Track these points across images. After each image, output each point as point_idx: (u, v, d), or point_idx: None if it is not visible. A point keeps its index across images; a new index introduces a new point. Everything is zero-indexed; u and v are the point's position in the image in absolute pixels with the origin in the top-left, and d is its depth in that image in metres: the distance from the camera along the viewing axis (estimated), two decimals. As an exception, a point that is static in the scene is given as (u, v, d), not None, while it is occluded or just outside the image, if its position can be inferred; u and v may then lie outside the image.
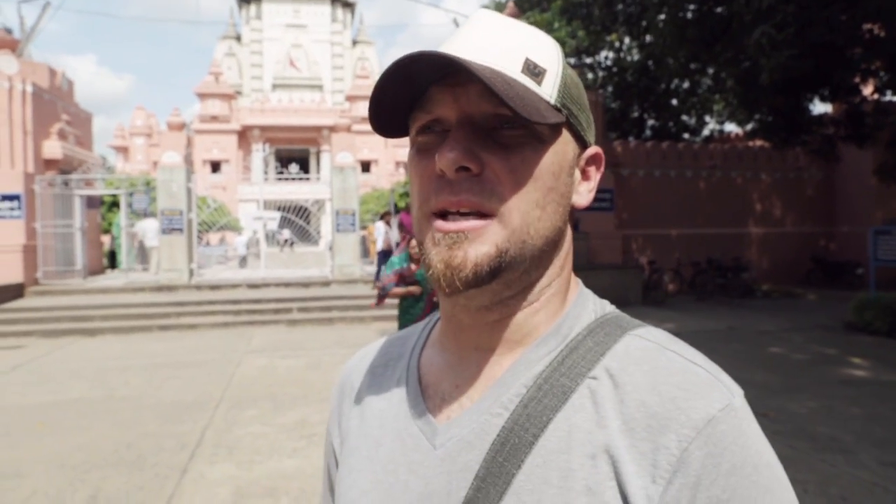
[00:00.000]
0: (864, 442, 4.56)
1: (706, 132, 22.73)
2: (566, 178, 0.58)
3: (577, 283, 0.63)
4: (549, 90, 0.55)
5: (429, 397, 0.61)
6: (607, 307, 0.62)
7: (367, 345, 0.76)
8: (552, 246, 0.58)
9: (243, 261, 18.86)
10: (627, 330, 0.57)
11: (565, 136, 0.57)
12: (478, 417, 0.56)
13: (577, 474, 0.50)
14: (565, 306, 0.60)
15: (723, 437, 0.48)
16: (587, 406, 0.52)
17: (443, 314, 0.63)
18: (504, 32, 0.56)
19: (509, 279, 0.56)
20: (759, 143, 16.19)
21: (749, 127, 14.96)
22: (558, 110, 0.56)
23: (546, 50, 0.57)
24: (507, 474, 0.52)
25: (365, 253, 19.30)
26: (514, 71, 0.54)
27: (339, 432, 0.71)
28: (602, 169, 0.62)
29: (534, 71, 0.55)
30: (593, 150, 0.62)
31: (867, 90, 11.21)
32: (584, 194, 0.61)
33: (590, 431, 0.51)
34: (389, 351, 0.71)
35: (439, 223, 0.54)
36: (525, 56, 0.55)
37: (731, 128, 22.17)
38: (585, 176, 0.61)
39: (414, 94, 0.56)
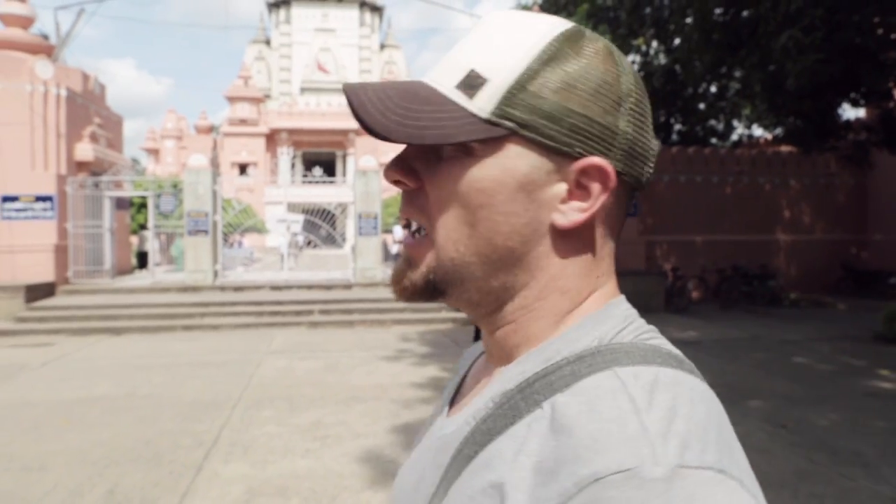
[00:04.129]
0: (888, 456, 4.45)
1: (735, 137, 22.37)
2: (516, 194, 0.51)
3: (598, 306, 0.55)
4: (482, 103, 0.50)
5: (457, 398, 0.65)
6: (627, 336, 0.52)
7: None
8: (509, 267, 0.54)
9: (283, 260, 19.30)
10: (615, 365, 0.47)
11: (515, 149, 0.51)
12: (462, 421, 0.56)
13: (476, 499, 0.47)
14: (559, 329, 0.55)
15: None
16: (520, 434, 0.48)
17: None
18: (479, 40, 0.53)
19: (459, 295, 0.56)
20: (788, 148, 15.89)
21: (777, 132, 14.70)
22: (495, 124, 0.50)
23: (509, 53, 0.51)
24: (450, 480, 0.52)
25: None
26: (448, 87, 0.52)
27: None
28: (611, 184, 0.52)
29: (472, 84, 0.51)
30: (585, 162, 0.51)
31: (900, 95, 10.93)
32: (567, 213, 0.52)
33: (507, 461, 0.47)
34: (468, 353, 0.74)
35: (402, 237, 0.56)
36: (471, 68, 0.51)
37: (760, 132, 21.78)
38: (581, 192, 0.52)
39: None
